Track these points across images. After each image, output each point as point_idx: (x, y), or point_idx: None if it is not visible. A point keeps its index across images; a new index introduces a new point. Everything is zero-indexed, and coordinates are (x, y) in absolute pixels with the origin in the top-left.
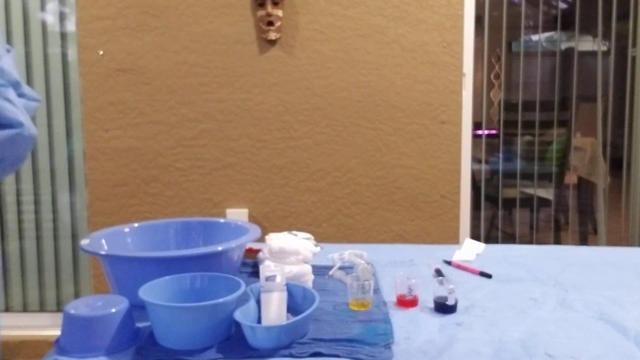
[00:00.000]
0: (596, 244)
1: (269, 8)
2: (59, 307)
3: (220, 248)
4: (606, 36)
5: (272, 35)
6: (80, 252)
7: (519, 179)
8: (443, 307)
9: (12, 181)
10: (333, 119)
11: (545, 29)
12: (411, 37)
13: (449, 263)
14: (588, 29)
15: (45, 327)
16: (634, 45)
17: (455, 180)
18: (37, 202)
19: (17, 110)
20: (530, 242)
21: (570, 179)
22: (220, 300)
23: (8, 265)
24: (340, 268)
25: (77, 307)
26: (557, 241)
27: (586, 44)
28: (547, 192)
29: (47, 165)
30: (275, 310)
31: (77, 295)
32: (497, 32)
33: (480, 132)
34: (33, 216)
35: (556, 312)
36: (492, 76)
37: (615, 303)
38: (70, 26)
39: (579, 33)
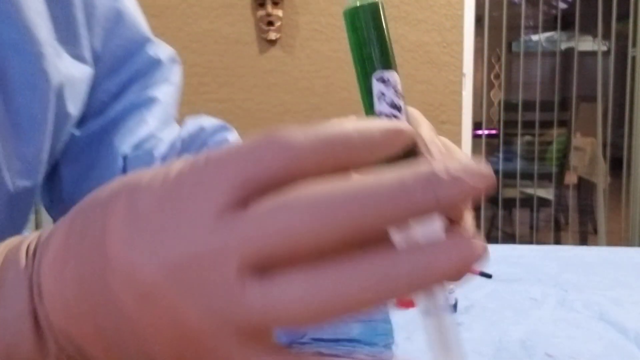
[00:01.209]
0: (596, 244)
1: (269, 8)
2: None
3: None
4: (606, 36)
5: (272, 35)
6: None
7: (519, 179)
8: None
9: None
10: (333, 119)
11: (545, 29)
12: (411, 37)
13: None
14: (588, 29)
15: None
16: (634, 45)
17: None
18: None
19: None
20: (530, 242)
21: (570, 179)
22: None
23: None
24: None
25: None
26: (557, 241)
27: (586, 44)
28: (547, 192)
29: None
30: None
31: None
32: (497, 32)
33: (480, 132)
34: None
35: (556, 312)
36: (492, 76)
37: (615, 303)
38: None
39: (579, 33)
